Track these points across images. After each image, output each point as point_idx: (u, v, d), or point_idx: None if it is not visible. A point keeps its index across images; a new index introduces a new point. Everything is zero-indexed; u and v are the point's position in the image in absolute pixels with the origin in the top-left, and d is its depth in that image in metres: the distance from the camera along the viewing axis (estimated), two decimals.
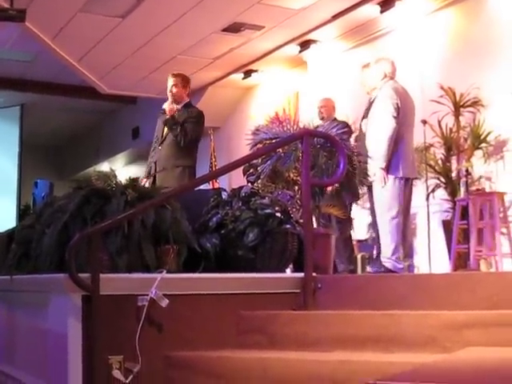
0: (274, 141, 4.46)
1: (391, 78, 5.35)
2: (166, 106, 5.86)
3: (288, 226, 3.88)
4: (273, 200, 4.00)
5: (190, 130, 5.74)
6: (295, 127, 4.56)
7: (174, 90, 5.89)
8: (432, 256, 6.11)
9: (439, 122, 6.62)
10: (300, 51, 8.86)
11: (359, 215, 6.46)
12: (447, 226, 6.46)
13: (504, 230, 6.08)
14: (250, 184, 4.73)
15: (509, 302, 2.94)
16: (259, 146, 4.62)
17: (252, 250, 3.77)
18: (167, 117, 5.81)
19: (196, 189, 4.26)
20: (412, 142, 5.33)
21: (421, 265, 6.21)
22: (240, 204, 3.97)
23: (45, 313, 3.36)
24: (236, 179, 7.14)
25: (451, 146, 6.61)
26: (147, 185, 5.65)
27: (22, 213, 5.00)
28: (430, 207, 6.41)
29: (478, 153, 6.51)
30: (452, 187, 6.54)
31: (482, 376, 1.92)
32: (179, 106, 5.89)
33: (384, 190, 5.09)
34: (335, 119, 6.34)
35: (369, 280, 3.79)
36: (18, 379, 3.68)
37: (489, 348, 2.56)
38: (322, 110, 6.52)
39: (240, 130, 9.86)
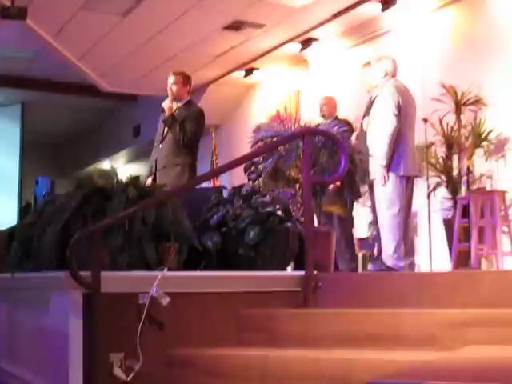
0: (274, 139, 4.46)
1: (392, 76, 5.35)
2: (165, 104, 5.82)
3: (289, 224, 3.88)
4: (274, 198, 4.00)
5: (190, 128, 5.71)
6: (296, 125, 4.56)
7: (175, 88, 5.86)
8: (433, 254, 6.11)
9: (440, 121, 6.61)
10: (301, 49, 8.85)
11: (360, 213, 6.45)
12: (448, 224, 6.45)
13: (505, 229, 6.08)
14: (251, 182, 4.73)
15: (510, 300, 2.94)
16: (260, 144, 4.63)
17: (253, 249, 3.78)
18: (166, 115, 5.79)
19: (197, 187, 4.27)
20: (413, 140, 5.32)
21: (422, 263, 6.21)
22: (241, 202, 3.97)
23: (46, 311, 3.36)
24: (237, 177, 7.13)
25: (452, 144, 6.60)
26: (149, 183, 5.67)
27: (23, 211, 5.01)
28: (431, 205, 6.41)
29: (479, 151, 6.50)
30: (453, 186, 6.53)
31: (483, 374, 1.92)
32: (179, 104, 5.88)
33: (385, 188, 5.10)
34: (337, 117, 6.35)
35: (370, 278, 3.79)
36: (20, 377, 3.68)
37: (489, 346, 2.56)
38: (324, 108, 6.51)
39: (241, 128, 9.86)
